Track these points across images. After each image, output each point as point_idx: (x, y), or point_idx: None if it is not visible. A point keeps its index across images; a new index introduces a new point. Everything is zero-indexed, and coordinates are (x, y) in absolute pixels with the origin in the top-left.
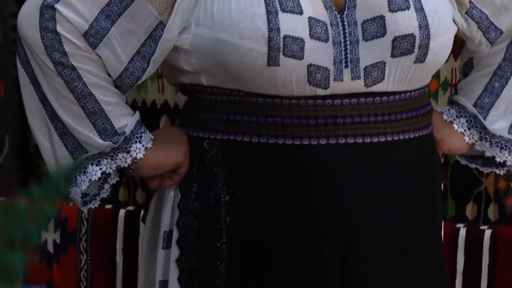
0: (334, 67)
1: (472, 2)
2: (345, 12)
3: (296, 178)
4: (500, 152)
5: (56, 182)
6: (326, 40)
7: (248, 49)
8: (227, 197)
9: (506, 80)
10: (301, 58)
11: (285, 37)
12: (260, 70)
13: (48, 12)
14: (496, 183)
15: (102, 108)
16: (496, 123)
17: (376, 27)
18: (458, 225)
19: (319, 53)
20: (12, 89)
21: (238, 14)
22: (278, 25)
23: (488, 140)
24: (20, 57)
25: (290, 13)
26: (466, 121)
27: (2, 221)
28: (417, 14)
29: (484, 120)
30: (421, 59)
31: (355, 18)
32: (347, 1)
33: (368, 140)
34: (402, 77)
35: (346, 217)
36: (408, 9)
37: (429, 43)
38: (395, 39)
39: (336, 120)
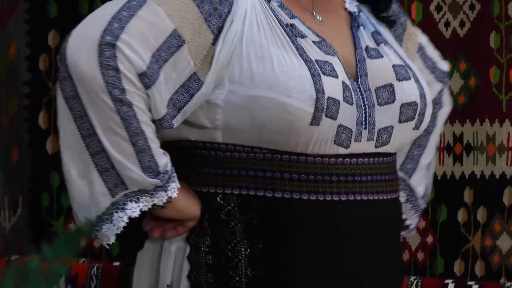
0: (356, 128)
1: None
2: (359, 80)
3: (321, 232)
4: (413, 215)
5: (67, 241)
6: (352, 103)
7: (296, 108)
8: (248, 250)
9: (423, 149)
10: (336, 118)
11: (328, 98)
12: (301, 128)
13: (108, 50)
14: (482, 241)
15: (150, 146)
16: (418, 187)
17: (387, 93)
18: (447, 281)
19: (347, 115)
20: (25, 153)
21: (283, 75)
22: (323, 87)
23: (412, 202)
24: (65, 93)
25: (330, 76)
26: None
27: (16, 278)
28: (417, 84)
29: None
30: (418, 126)
31: (368, 85)
32: (358, 70)
33: (377, 198)
34: (400, 142)
35: (365, 268)
36: (410, 79)
37: (425, 112)
38: (402, 106)
39: (354, 178)
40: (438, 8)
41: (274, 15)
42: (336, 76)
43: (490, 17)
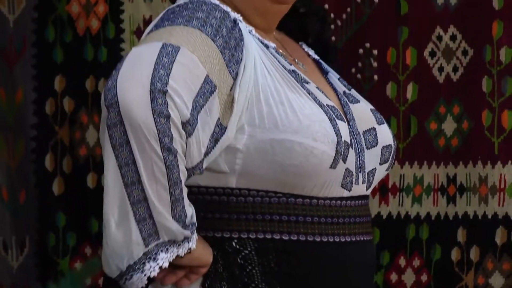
0: (356, 172)
1: None
2: (350, 123)
3: (335, 272)
4: None
5: (73, 280)
6: (353, 147)
7: (321, 152)
8: None
9: None
10: (345, 162)
11: (344, 142)
12: (322, 171)
13: (160, 97)
14: (475, 279)
15: (183, 196)
16: None
17: (372, 137)
18: None
19: (351, 159)
20: (32, 195)
21: (306, 119)
22: (339, 131)
23: None
24: (113, 139)
25: (341, 120)
26: None
27: None
28: (389, 129)
29: None
30: (390, 167)
31: (357, 129)
32: (347, 114)
33: (367, 238)
34: (375, 183)
35: None
36: (384, 123)
37: (395, 154)
38: (383, 149)
39: (355, 219)
40: (432, 54)
41: (277, 61)
42: (344, 120)
43: (483, 63)
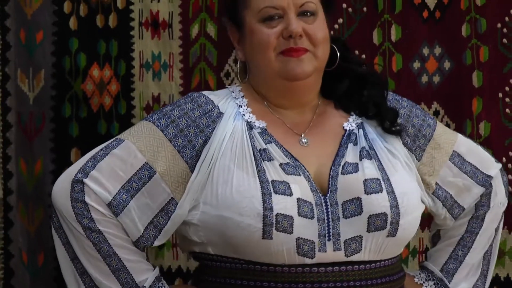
0: (319, 240)
1: (438, 184)
2: (328, 194)
3: None
4: None
5: None
6: (312, 218)
7: (247, 225)
8: None
9: (468, 249)
10: (291, 232)
11: (277, 215)
12: (256, 242)
13: (77, 186)
14: None
15: (125, 265)
16: (460, 285)
17: (354, 207)
18: None
19: (306, 228)
20: (50, 257)
21: (238, 195)
22: (272, 205)
23: None
24: (54, 224)
25: (282, 195)
26: (434, 284)
27: None
28: (388, 196)
29: (449, 283)
30: (392, 233)
31: (336, 200)
32: (330, 185)
33: None
34: (377, 248)
35: None
36: (381, 192)
37: (399, 220)
38: (370, 217)
39: (321, 285)
40: None
41: (250, 141)
42: (290, 194)
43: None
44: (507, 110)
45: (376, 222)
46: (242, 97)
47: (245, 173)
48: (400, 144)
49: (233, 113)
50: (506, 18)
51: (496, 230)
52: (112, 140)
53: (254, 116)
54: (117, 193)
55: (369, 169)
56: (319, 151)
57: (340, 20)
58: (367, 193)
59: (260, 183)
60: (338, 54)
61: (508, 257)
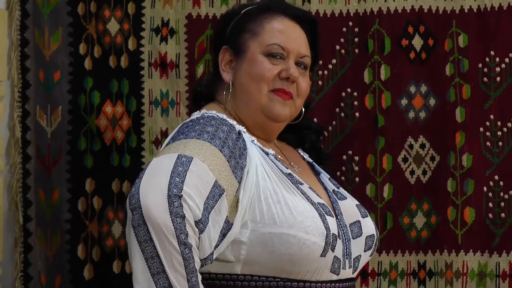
0: (343, 259)
1: None
2: (338, 217)
3: None
4: None
5: None
6: (341, 238)
7: (312, 242)
8: None
9: None
10: (334, 251)
11: (332, 235)
12: (314, 259)
13: (176, 201)
14: None
15: (198, 282)
16: None
17: (357, 228)
18: None
19: (339, 248)
20: (67, 279)
21: (300, 215)
22: (328, 225)
23: None
24: (139, 237)
25: (330, 216)
26: None
27: None
28: (372, 221)
29: None
30: (372, 253)
31: (344, 222)
32: (335, 210)
33: None
34: (361, 266)
35: None
36: (368, 216)
37: (377, 242)
38: (366, 238)
39: None
40: (405, 160)
41: (276, 166)
42: (333, 216)
43: (447, 167)
44: (488, 143)
45: (369, 243)
46: (236, 123)
47: (292, 195)
48: None
49: (246, 137)
50: (487, 59)
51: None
52: (175, 156)
53: (259, 143)
54: (203, 209)
55: (349, 196)
56: (310, 179)
57: (334, 61)
58: (362, 216)
59: (312, 205)
60: (302, 113)
61: (489, 279)
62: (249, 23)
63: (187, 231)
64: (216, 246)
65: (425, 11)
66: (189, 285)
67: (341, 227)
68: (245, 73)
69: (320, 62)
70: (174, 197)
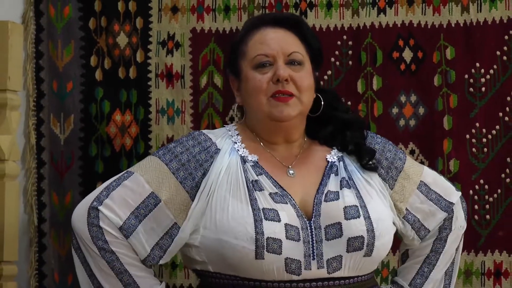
0: (304, 260)
1: (407, 209)
2: (312, 219)
3: None
4: None
5: None
6: (298, 240)
7: (241, 247)
8: None
9: (433, 266)
10: (280, 253)
11: (267, 238)
12: (250, 262)
13: (93, 212)
14: None
15: (135, 280)
16: None
17: (335, 230)
18: None
19: (293, 250)
20: (77, 279)
21: (234, 221)
22: (263, 229)
23: None
24: (73, 245)
25: (271, 221)
26: None
27: None
28: (365, 221)
29: None
30: (368, 254)
31: (319, 224)
32: (314, 211)
33: None
34: (355, 266)
35: None
36: (359, 218)
37: (374, 242)
38: (349, 239)
39: None
40: None
41: (244, 174)
42: (278, 221)
43: (436, 171)
44: (474, 150)
45: (355, 244)
46: (237, 134)
47: (239, 201)
48: (376, 175)
49: (228, 149)
50: (472, 70)
51: (457, 249)
52: (123, 172)
53: (247, 151)
54: (127, 218)
55: (348, 197)
56: (304, 181)
57: (329, 72)
58: (346, 218)
59: (252, 211)
60: (322, 102)
61: (475, 277)
62: (240, 46)
63: (104, 238)
64: (165, 249)
65: (415, 25)
66: (122, 284)
67: (311, 228)
68: (246, 92)
69: (316, 73)
70: (92, 210)
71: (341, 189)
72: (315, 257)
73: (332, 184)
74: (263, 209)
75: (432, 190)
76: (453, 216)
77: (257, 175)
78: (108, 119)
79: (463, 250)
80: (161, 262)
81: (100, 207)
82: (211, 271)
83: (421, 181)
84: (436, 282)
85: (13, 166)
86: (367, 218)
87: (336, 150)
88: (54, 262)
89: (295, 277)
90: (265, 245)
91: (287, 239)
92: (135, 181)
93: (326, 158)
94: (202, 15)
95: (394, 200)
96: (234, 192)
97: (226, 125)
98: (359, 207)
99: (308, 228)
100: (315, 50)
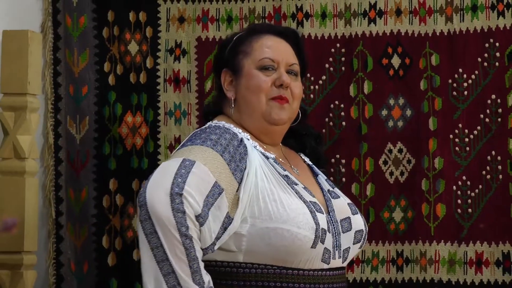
0: (333, 250)
1: None
2: (330, 214)
3: None
4: None
5: None
6: (330, 232)
7: (303, 236)
8: None
9: None
10: (324, 243)
11: (322, 229)
12: (305, 250)
13: (178, 198)
14: None
15: (200, 268)
16: None
17: (347, 224)
18: None
19: (329, 241)
20: (93, 266)
21: (293, 212)
22: (318, 221)
23: None
24: (145, 230)
25: (320, 213)
26: None
27: None
28: (361, 217)
29: None
30: (362, 245)
31: (335, 218)
32: (328, 207)
33: None
34: (351, 257)
35: None
36: (358, 214)
37: (366, 236)
38: (355, 232)
39: (333, 285)
40: (385, 162)
41: (274, 169)
42: (323, 213)
43: (422, 169)
44: (457, 148)
45: (357, 237)
46: (240, 131)
47: (287, 194)
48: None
49: (248, 144)
50: (456, 76)
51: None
52: (180, 160)
53: (261, 148)
54: (203, 206)
55: (342, 195)
56: (308, 180)
57: (324, 77)
58: (352, 213)
59: (303, 203)
60: (299, 115)
61: (458, 265)
62: (241, 46)
63: (187, 224)
64: (218, 238)
65: (402, 34)
66: (191, 271)
67: (332, 222)
68: (244, 88)
69: (312, 78)
70: (176, 195)
71: (333, 188)
72: (337, 248)
73: (325, 184)
74: (310, 201)
75: None
76: None
77: (283, 171)
78: (120, 120)
79: (446, 241)
80: (213, 250)
81: (184, 193)
82: (239, 261)
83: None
84: None
85: (33, 164)
86: (361, 214)
87: (302, 155)
88: (70, 252)
89: (325, 266)
90: (320, 235)
91: (328, 230)
92: (202, 170)
93: (305, 161)
94: (206, 24)
95: None
96: (278, 185)
97: (213, 122)
98: (353, 204)
99: (331, 221)
100: (304, 64)
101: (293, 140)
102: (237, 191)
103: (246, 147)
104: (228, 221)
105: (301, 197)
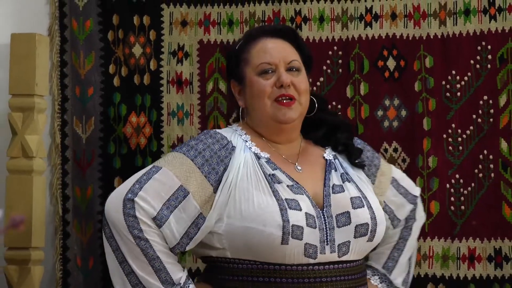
0: (320, 245)
1: (385, 201)
2: (324, 209)
3: None
4: None
5: None
6: (315, 227)
7: (269, 233)
8: None
9: (401, 251)
10: (301, 239)
11: (292, 225)
12: (275, 247)
13: (129, 203)
14: None
15: (165, 266)
16: (397, 278)
17: (344, 218)
18: None
19: (311, 236)
20: (98, 262)
21: (261, 210)
22: (288, 218)
23: None
24: (106, 234)
25: (294, 210)
26: (379, 278)
27: None
28: (368, 210)
29: (390, 276)
30: (371, 239)
31: (331, 213)
32: (325, 202)
33: None
34: (359, 250)
35: None
36: (363, 207)
37: (376, 229)
38: (356, 226)
39: (322, 279)
40: None
41: (261, 168)
42: (300, 210)
43: (416, 167)
44: (450, 148)
45: (361, 230)
46: (244, 134)
47: (262, 193)
48: (362, 172)
49: (242, 146)
50: (449, 77)
51: (418, 238)
52: (151, 167)
53: (258, 149)
54: (160, 209)
55: (351, 189)
56: (311, 176)
57: (321, 79)
58: (354, 208)
59: (276, 201)
60: (316, 104)
61: (451, 261)
62: (242, 54)
63: (140, 227)
64: (191, 237)
65: (398, 37)
66: (153, 270)
67: (324, 217)
68: (250, 95)
69: (310, 80)
70: (128, 201)
71: (343, 182)
72: (328, 242)
73: (335, 179)
74: (286, 199)
75: (401, 185)
76: (416, 207)
77: (273, 170)
78: (124, 120)
79: (440, 237)
80: (187, 248)
81: (135, 199)
82: (228, 257)
83: (392, 177)
84: (402, 266)
85: (40, 162)
86: (370, 207)
87: (329, 149)
88: (76, 248)
89: (311, 261)
90: (290, 231)
91: (307, 226)
92: (165, 175)
93: (324, 156)
94: (208, 28)
95: (375, 193)
96: (255, 184)
97: (229, 126)
98: (361, 198)
99: (322, 216)
100: (306, 57)
101: (323, 133)
102: (214, 193)
103: (233, 150)
104: (202, 221)
105: (276, 195)
